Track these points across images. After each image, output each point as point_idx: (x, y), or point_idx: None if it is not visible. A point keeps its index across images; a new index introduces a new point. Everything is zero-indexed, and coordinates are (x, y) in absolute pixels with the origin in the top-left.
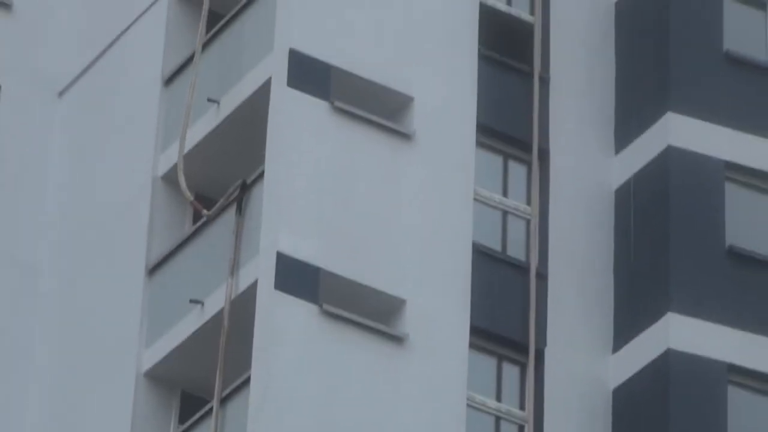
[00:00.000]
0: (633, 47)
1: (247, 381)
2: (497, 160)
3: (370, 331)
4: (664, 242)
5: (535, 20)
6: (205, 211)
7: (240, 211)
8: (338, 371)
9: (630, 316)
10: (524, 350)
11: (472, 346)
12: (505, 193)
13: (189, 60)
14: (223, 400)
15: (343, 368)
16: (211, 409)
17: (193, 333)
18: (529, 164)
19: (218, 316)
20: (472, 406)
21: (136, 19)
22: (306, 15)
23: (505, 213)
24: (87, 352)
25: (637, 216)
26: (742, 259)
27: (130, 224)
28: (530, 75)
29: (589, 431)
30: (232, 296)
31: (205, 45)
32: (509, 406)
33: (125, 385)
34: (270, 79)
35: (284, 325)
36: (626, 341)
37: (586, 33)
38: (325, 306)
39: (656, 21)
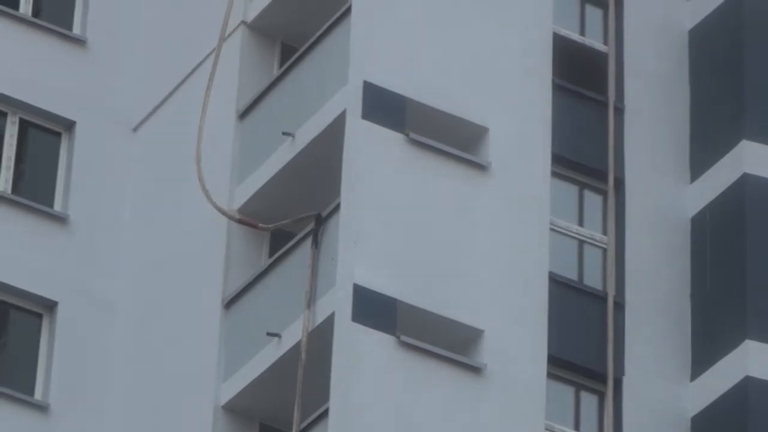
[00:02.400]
0: (707, 75)
1: (326, 413)
2: (573, 190)
3: (447, 361)
4: (740, 270)
5: (609, 49)
6: (261, 225)
7: (316, 243)
8: (416, 402)
9: (708, 344)
10: (602, 379)
11: (550, 375)
12: (581, 223)
13: (263, 93)
14: None
15: (421, 399)
16: None
17: (271, 365)
18: (604, 193)
19: (295, 348)
20: None
21: (210, 53)
22: (380, 47)
23: (581, 242)
24: (164, 386)
25: (713, 244)
26: None
27: (206, 258)
28: (605, 104)
29: None
30: (310, 328)
31: (280, 78)
32: None
33: (204, 418)
34: (344, 111)
35: (361, 356)
36: (704, 369)
37: (659, 61)
38: (402, 337)
39: (730, 48)
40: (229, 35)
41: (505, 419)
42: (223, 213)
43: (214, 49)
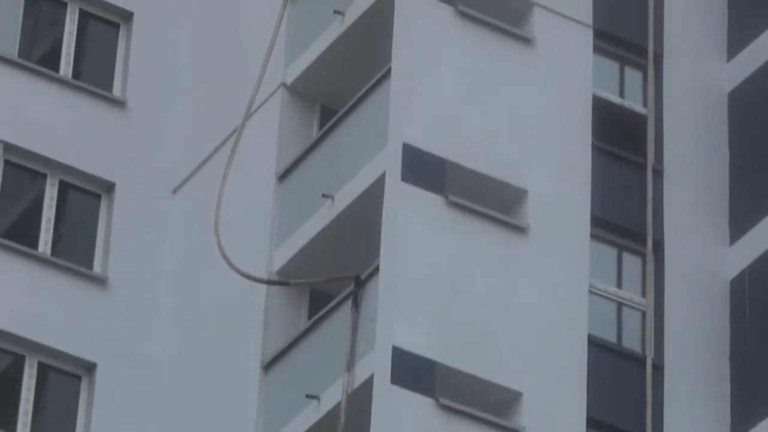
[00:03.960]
0: (746, 137)
1: None
2: (612, 252)
3: (487, 424)
4: None
5: (648, 112)
6: (292, 281)
7: (355, 305)
8: None
9: (747, 407)
10: None
11: None
12: (619, 285)
13: (303, 156)
14: None
15: None
16: None
17: (310, 428)
18: (643, 256)
19: (335, 410)
20: None
21: (250, 115)
22: (419, 109)
23: (620, 305)
24: None
25: (752, 306)
26: None
27: (245, 319)
28: (644, 166)
29: None
30: (349, 391)
31: (319, 140)
32: None
33: None
34: (384, 173)
35: (401, 419)
36: (744, 431)
37: (699, 123)
38: (442, 400)
39: None
40: (269, 97)
41: None
42: (249, 277)
43: (254, 111)
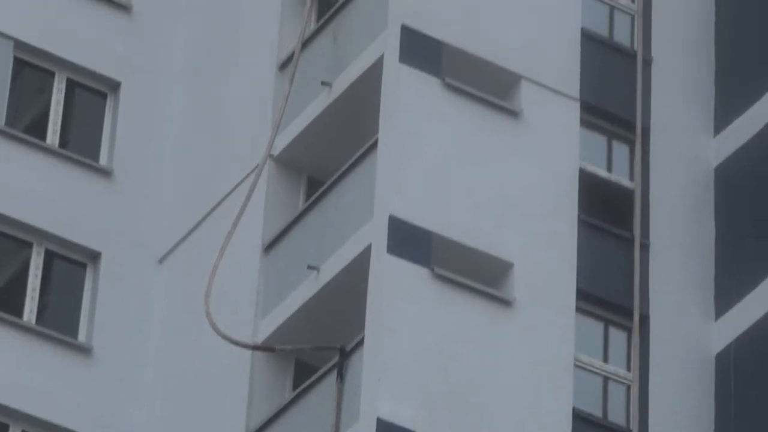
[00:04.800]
0: (733, 212)
1: None
2: (598, 326)
3: None
4: (765, 407)
5: (635, 186)
6: (278, 347)
7: (340, 377)
8: None
9: None
10: None
11: None
12: (605, 359)
13: (289, 227)
14: None
15: None
16: None
17: None
18: (629, 330)
19: None
20: None
21: (237, 186)
22: (406, 181)
23: (605, 379)
24: None
25: (738, 381)
26: None
27: (230, 389)
28: (630, 241)
29: None
30: None
31: (305, 211)
32: None
33: None
34: (370, 245)
35: None
36: None
37: (685, 198)
38: None
39: (756, 185)
40: (256, 168)
41: None
42: (235, 343)
43: (240, 182)
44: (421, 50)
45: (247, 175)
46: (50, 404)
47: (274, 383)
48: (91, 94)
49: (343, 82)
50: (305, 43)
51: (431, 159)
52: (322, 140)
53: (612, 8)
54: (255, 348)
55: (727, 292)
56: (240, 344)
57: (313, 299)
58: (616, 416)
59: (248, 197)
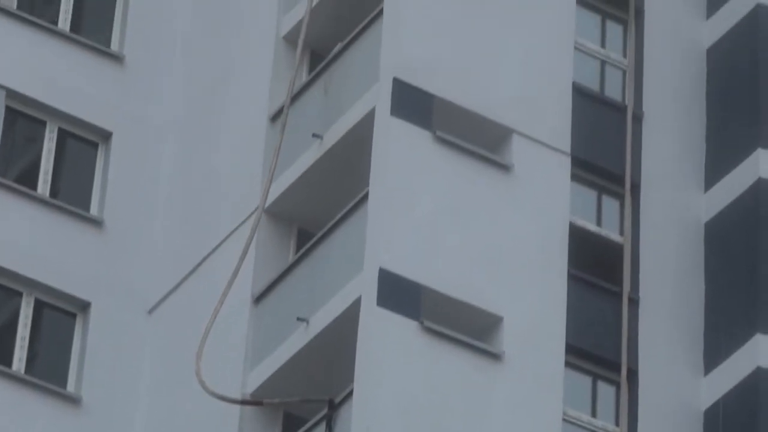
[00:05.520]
0: (722, 267)
1: None
2: (586, 381)
3: None
4: None
5: (625, 240)
6: (266, 400)
7: (329, 429)
8: None
9: None
10: None
11: None
12: (594, 414)
13: (279, 278)
14: None
15: None
16: None
17: None
18: (617, 384)
19: None
20: None
21: (227, 237)
22: (396, 234)
23: None
24: None
25: None
26: None
27: None
28: (620, 295)
29: None
30: None
31: (296, 263)
32: None
33: None
34: (360, 298)
35: None
36: None
37: (675, 253)
38: None
39: (746, 241)
40: (246, 219)
41: None
42: (222, 398)
43: (230, 233)
44: (412, 103)
45: (238, 227)
46: None
47: None
48: (83, 144)
49: (334, 135)
50: (297, 95)
51: (422, 212)
52: (312, 192)
53: (603, 63)
54: (243, 403)
55: (717, 348)
56: (228, 400)
57: (303, 351)
58: None
59: (245, 250)
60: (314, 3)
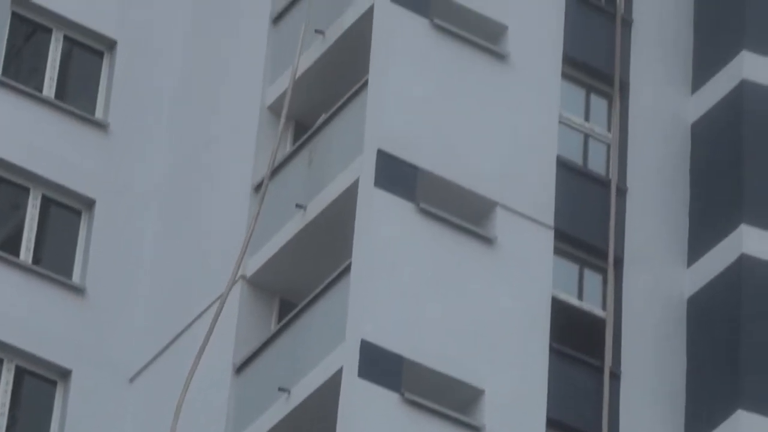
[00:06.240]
0: (704, 343)
1: None
2: None
3: None
4: None
5: (607, 315)
6: None
7: None
8: None
9: None
10: None
11: None
12: None
13: (260, 348)
14: None
15: None
16: None
17: None
18: None
19: None
20: None
21: (209, 306)
22: (378, 306)
23: None
24: None
25: None
26: None
27: None
28: (601, 370)
29: None
30: None
31: (277, 333)
32: None
33: None
34: (341, 369)
35: None
36: None
37: (657, 328)
38: None
39: (728, 318)
40: (229, 290)
41: None
42: None
43: (212, 303)
44: (396, 175)
45: (219, 297)
46: None
47: None
48: (66, 211)
49: (317, 205)
50: (281, 165)
51: (404, 284)
52: (295, 263)
53: (587, 137)
54: None
55: (698, 423)
56: None
57: (284, 422)
58: None
59: (214, 320)
60: (298, 74)
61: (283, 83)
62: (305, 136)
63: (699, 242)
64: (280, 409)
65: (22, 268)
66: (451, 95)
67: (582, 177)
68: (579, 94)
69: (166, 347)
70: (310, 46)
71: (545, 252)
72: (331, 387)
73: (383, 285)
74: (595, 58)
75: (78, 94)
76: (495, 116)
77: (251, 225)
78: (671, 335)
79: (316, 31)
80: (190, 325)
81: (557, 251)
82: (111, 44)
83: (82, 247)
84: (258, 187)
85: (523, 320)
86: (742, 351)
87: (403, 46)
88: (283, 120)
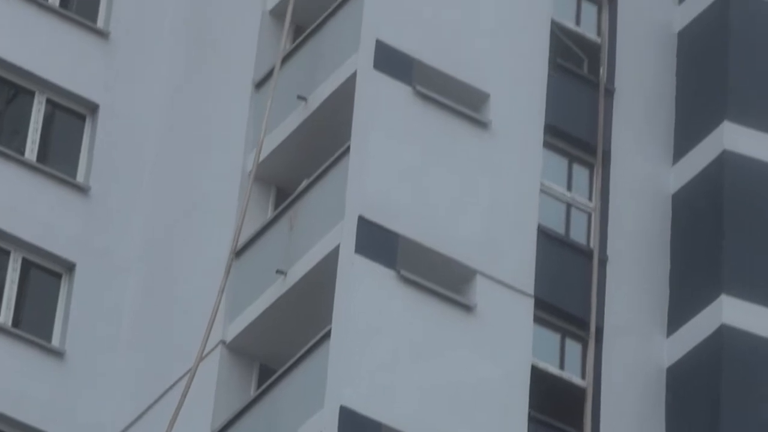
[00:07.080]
0: (684, 412)
1: None
2: None
3: None
4: None
5: (587, 384)
6: None
7: None
8: None
9: None
10: None
11: None
12: None
13: (240, 413)
14: None
15: None
16: None
17: None
18: None
19: None
20: None
21: (186, 373)
22: (357, 373)
23: None
24: None
25: None
26: None
27: None
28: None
29: None
30: None
31: (256, 399)
32: None
33: None
34: None
35: None
36: None
37: (637, 398)
38: None
39: (707, 387)
40: (208, 354)
41: None
42: None
43: (190, 369)
44: (377, 242)
45: (197, 363)
46: None
47: None
48: (46, 275)
49: (298, 271)
50: (262, 231)
51: (384, 350)
52: (275, 328)
53: (569, 206)
54: None
55: None
56: None
57: None
58: None
59: (186, 389)
60: (280, 140)
61: (265, 149)
62: (286, 202)
63: (679, 312)
64: None
65: (1, 330)
66: (433, 162)
67: (563, 246)
68: (561, 163)
69: (144, 412)
70: (291, 111)
71: (525, 320)
72: None
73: (363, 351)
74: (577, 128)
75: (60, 158)
76: (476, 184)
77: (218, 295)
78: (651, 405)
79: (299, 97)
80: (168, 390)
81: (537, 320)
82: (93, 108)
83: (62, 311)
84: (239, 254)
85: (503, 388)
86: (723, 422)
87: (386, 113)
88: (250, 184)
